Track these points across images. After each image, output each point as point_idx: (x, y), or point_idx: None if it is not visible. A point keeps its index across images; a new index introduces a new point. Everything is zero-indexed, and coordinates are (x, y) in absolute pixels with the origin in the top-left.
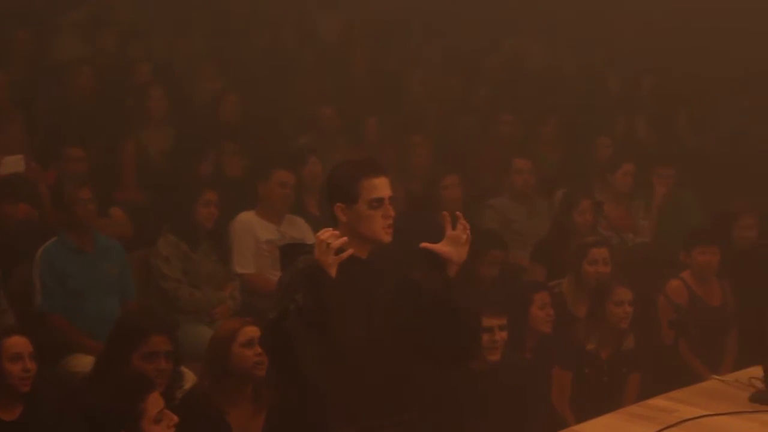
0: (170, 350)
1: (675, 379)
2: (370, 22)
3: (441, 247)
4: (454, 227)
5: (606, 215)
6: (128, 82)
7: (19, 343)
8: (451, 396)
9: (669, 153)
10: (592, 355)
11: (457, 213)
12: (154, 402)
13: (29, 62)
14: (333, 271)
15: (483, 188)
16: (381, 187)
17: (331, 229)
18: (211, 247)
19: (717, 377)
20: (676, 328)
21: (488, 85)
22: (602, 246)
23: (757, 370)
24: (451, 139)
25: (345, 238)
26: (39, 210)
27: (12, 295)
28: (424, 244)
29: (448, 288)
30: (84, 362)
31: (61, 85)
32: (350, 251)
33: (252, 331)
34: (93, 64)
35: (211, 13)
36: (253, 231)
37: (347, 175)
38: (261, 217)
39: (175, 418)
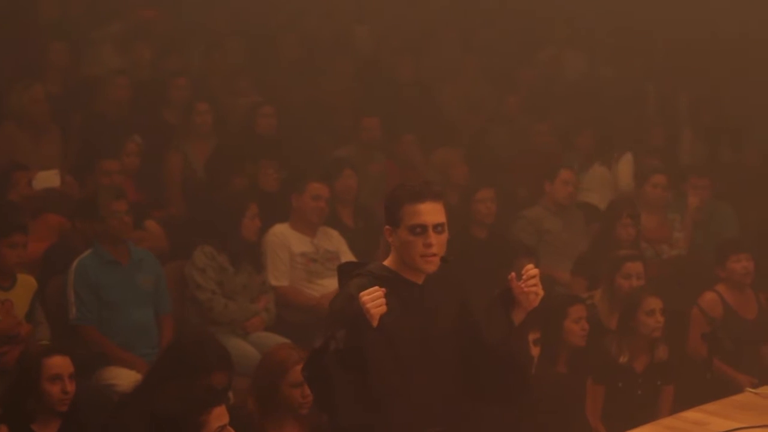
0: (228, 384)
1: (709, 392)
2: (405, 35)
3: (517, 288)
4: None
5: (641, 227)
6: (165, 95)
7: (59, 363)
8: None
9: (704, 165)
10: (626, 368)
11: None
12: (219, 416)
13: (66, 76)
14: (375, 322)
15: (518, 200)
16: (424, 213)
17: (374, 289)
18: (246, 259)
19: (751, 390)
20: (710, 342)
21: (523, 96)
22: (636, 260)
23: None
24: (486, 151)
25: (383, 302)
26: (74, 222)
27: (47, 307)
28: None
29: (510, 332)
30: (118, 374)
31: (98, 98)
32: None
33: None
34: (129, 76)
35: (247, 27)
36: (287, 243)
37: (394, 198)
38: (295, 229)
39: None
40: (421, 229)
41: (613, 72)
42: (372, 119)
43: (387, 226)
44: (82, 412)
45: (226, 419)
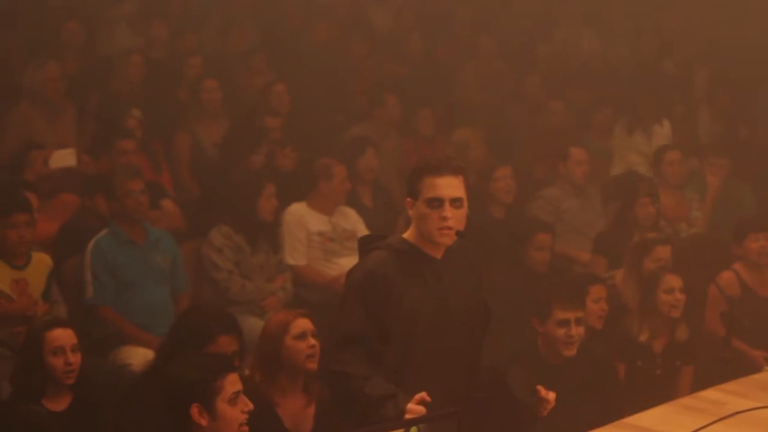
0: (236, 350)
1: (727, 371)
2: (422, 13)
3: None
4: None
5: (659, 206)
6: (180, 75)
7: (61, 336)
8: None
9: (723, 143)
10: (645, 347)
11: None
12: (233, 382)
13: (81, 55)
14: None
15: (535, 179)
16: (442, 187)
17: (417, 401)
18: (263, 239)
19: None
20: (727, 320)
21: (540, 74)
22: (667, 244)
23: None
24: (503, 130)
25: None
26: (90, 202)
27: (64, 286)
28: None
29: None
30: (134, 354)
31: (113, 77)
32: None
33: (304, 323)
34: (144, 55)
35: (262, 5)
36: (304, 222)
37: (415, 171)
38: (312, 208)
39: (251, 405)
40: (438, 203)
41: (629, 50)
42: (390, 95)
43: (408, 198)
44: (95, 391)
45: (239, 386)
